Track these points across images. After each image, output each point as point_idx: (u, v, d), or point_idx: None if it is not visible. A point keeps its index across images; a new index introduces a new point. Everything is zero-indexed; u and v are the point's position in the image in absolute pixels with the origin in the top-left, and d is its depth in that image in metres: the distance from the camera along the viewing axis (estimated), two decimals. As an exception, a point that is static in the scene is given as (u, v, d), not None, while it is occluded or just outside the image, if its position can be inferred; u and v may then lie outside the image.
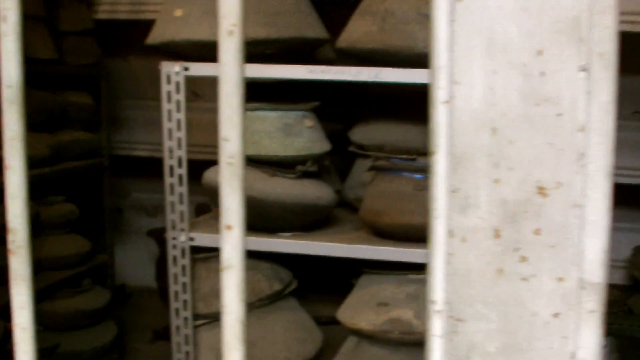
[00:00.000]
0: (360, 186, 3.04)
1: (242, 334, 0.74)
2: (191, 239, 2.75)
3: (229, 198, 0.70)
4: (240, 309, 0.74)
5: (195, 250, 2.79)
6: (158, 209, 6.56)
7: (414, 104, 3.02)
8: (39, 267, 4.27)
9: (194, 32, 2.61)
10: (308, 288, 3.15)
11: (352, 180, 3.08)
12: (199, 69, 2.66)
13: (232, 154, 0.70)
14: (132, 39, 5.31)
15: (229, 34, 0.64)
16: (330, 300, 3.44)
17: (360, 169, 3.06)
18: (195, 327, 2.82)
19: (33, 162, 4.08)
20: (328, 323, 3.29)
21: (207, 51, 2.64)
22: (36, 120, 4.13)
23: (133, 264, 6.08)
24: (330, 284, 3.41)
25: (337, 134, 3.02)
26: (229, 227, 0.70)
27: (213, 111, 3.59)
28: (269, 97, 2.87)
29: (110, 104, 4.88)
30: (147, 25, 5.01)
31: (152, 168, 6.16)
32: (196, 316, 2.81)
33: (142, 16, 4.86)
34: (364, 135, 3.02)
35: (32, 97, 4.04)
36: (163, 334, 5.64)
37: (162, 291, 5.78)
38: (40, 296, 4.24)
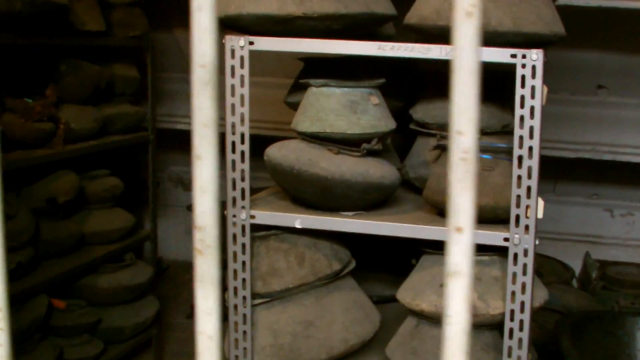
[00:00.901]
0: (422, 165, 2.98)
1: (466, 346, 0.69)
2: (252, 217, 2.70)
3: (461, 197, 0.64)
4: (467, 320, 0.68)
5: (254, 228, 2.74)
6: (195, 183, 6.54)
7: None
8: (83, 241, 4.25)
9: (260, 6, 2.54)
10: (363, 267, 3.10)
11: (413, 158, 3.03)
12: (264, 43, 2.60)
13: (466, 149, 0.64)
14: (177, 11, 5.28)
15: (467, 15, 0.58)
16: (385, 279, 3.40)
17: (422, 148, 3.00)
18: (253, 306, 2.78)
19: (80, 136, 4.05)
20: (380, 302, 3.25)
21: (272, 25, 2.58)
22: (84, 93, 4.09)
23: (169, 238, 6.07)
24: (385, 263, 3.37)
25: (397, 111, 2.96)
26: (459, 230, 0.64)
27: (264, 86, 3.52)
28: (331, 73, 2.81)
29: (154, 77, 4.84)
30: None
31: (190, 141, 6.15)
32: (254, 295, 2.77)
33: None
34: (426, 113, 2.95)
35: (81, 69, 3.99)
36: (201, 309, 5.63)
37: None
38: (84, 271, 4.22)
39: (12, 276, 3.68)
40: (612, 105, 5.08)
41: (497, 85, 3.00)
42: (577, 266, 5.33)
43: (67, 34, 3.91)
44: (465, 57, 0.60)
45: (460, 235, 0.65)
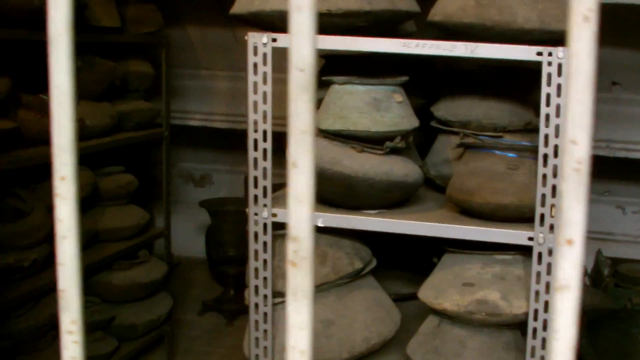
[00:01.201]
0: (443, 163, 2.97)
1: (572, 360, 0.66)
2: (274, 215, 2.68)
3: (573, 210, 0.61)
4: (575, 336, 0.66)
5: (276, 226, 2.72)
6: (206, 179, 6.53)
7: (498, 80, 2.94)
8: (96, 238, 4.23)
9: (284, 2, 2.52)
10: (383, 265, 3.09)
11: (434, 156, 3.01)
12: (287, 40, 2.57)
13: (580, 160, 0.62)
14: (189, 7, 5.26)
15: (584, 20, 0.55)
16: (402, 277, 3.39)
17: (443, 146, 2.98)
18: (274, 304, 2.76)
19: (94, 132, 4.03)
20: (397, 300, 3.23)
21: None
22: (99, 90, 4.07)
23: (179, 234, 6.05)
24: (402, 261, 3.36)
25: (417, 109, 2.94)
26: (569, 242, 0.62)
27: (281, 82, 3.51)
28: (352, 70, 2.79)
29: (168, 73, 4.82)
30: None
31: (201, 138, 6.14)
32: (275, 294, 2.75)
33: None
34: (448, 110, 2.93)
35: (96, 65, 3.97)
36: (212, 306, 5.62)
37: (211, 262, 5.76)
38: (97, 268, 4.20)
39: (28, 273, 3.66)
40: (626, 102, 5.05)
41: (517, 82, 2.98)
42: (588, 263, 5.31)
43: (82, 30, 3.89)
44: (582, 62, 0.57)
45: (571, 248, 0.63)
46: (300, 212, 0.64)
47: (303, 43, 0.64)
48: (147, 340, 4.57)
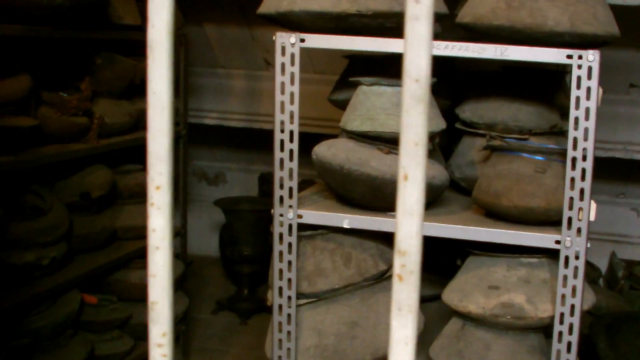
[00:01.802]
0: (468, 165, 2.95)
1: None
2: (299, 216, 2.67)
3: None
4: None
5: (300, 227, 2.71)
6: (219, 177, 6.52)
7: (524, 82, 2.93)
8: (114, 236, 4.22)
9: (314, 3, 2.51)
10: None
11: (459, 158, 2.99)
12: (316, 40, 2.57)
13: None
14: (208, 5, 5.25)
15: None
16: (424, 279, 3.36)
17: (468, 148, 2.97)
18: (298, 306, 2.75)
19: (113, 130, 4.02)
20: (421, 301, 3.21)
21: (324, 23, 2.55)
22: (119, 87, 4.07)
23: (193, 232, 6.04)
24: (425, 263, 3.34)
25: (443, 111, 2.92)
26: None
27: (307, 82, 3.48)
28: (377, 71, 2.78)
29: (186, 71, 4.82)
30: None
31: (216, 136, 6.13)
32: (299, 295, 2.74)
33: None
34: (474, 112, 2.92)
35: (116, 63, 3.97)
36: (226, 305, 5.61)
37: (225, 261, 5.75)
38: (115, 266, 4.20)
39: (47, 271, 3.66)
40: (644, 104, 5.04)
41: (543, 84, 2.97)
42: (603, 265, 5.30)
43: (103, 27, 3.88)
44: None
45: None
46: (410, 225, 0.63)
47: (419, 53, 0.62)
48: (163, 339, 4.55)
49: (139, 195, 4.31)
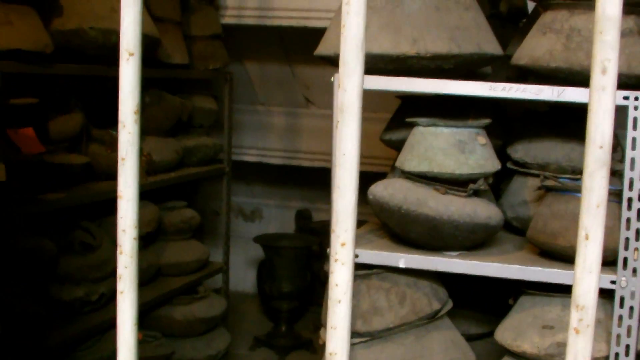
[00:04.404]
0: (520, 205, 2.96)
1: None
2: (356, 256, 2.69)
3: None
4: None
5: (357, 266, 2.72)
6: (256, 213, 6.55)
7: (575, 122, 2.95)
8: (158, 272, 4.25)
9: (374, 45, 2.55)
10: (456, 304, 3.08)
11: (511, 198, 3.01)
12: (374, 82, 2.60)
13: None
14: (251, 43, 5.31)
15: None
16: (469, 317, 3.37)
17: (521, 187, 2.98)
18: (352, 345, 2.76)
19: (160, 167, 4.07)
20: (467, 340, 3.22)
21: (384, 64, 2.59)
22: (167, 125, 4.12)
23: (230, 268, 6.05)
24: (473, 300, 3.34)
25: (496, 150, 2.94)
26: None
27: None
28: (431, 111, 2.81)
29: (230, 109, 4.87)
30: (269, 30, 5.00)
31: (254, 172, 6.18)
32: (353, 334, 2.75)
33: (268, 22, 4.84)
34: (527, 152, 2.94)
35: (164, 101, 4.02)
36: (264, 341, 5.62)
37: (263, 297, 5.76)
38: (159, 302, 4.22)
39: (96, 307, 3.69)
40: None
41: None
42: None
43: (153, 65, 3.94)
44: None
45: None
46: (589, 282, 0.66)
47: (604, 122, 0.65)
48: (205, 376, 4.57)
49: (184, 232, 4.35)
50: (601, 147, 0.64)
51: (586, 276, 0.66)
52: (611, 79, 0.62)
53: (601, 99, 0.64)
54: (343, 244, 0.69)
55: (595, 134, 0.65)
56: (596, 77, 0.63)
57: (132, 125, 0.78)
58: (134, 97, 0.77)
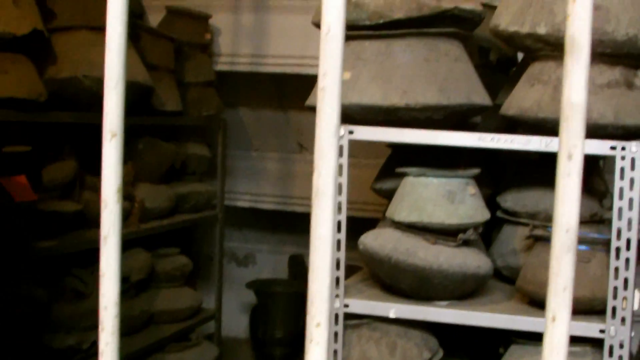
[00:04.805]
0: (510, 254, 2.97)
1: None
2: (346, 306, 2.70)
3: None
4: None
5: (347, 316, 2.74)
6: (249, 259, 6.53)
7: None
8: (150, 320, 4.25)
9: (364, 97, 2.58)
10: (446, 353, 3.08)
11: (501, 247, 3.02)
12: (364, 132, 2.63)
13: None
14: (245, 89, 5.34)
15: None
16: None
17: (510, 236, 3.00)
18: (344, 394, 2.76)
19: (153, 214, 4.07)
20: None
21: (374, 115, 2.62)
22: (159, 172, 4.13)
23: (223, 314, 6.02)
24: (468, 350, 3.34)
25: (485, 199, 2.96)
26: None
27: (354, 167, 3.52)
28: (421, 160, 2.83)
29: (223, 154, 4.89)
30: (263, 77, 5.03)
31: (247, 217, 6.18)
32: (343, 383, 2.75)
33: (261, 69, 4.88)
34: (516, 201, 2.96)
35: (158, 148, 4.04)
36: (257, 388, 5.59)
37: (255, 342, 5.74)
38: (150, 350, 4.21)
39: (87, 355, 3.68)
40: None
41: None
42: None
43: (146, 113, 3.96)
44: None
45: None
46: None
47: (571, 207, 0.67)
48: (197, 423, 4.55)
49: (176, 279, 4.35)
50: (567, 231, 0.66)
51: (554, 357, 0.67)
52: (577, 164, 0.64)
53: (567, 184, 0.66)
54: (318, 325, 0.70)
55: (561, 219, 0.67)
56: (562, 163, 0.65)
57: (114, 204, 0.80)
58: (116, 176, 0.78)
